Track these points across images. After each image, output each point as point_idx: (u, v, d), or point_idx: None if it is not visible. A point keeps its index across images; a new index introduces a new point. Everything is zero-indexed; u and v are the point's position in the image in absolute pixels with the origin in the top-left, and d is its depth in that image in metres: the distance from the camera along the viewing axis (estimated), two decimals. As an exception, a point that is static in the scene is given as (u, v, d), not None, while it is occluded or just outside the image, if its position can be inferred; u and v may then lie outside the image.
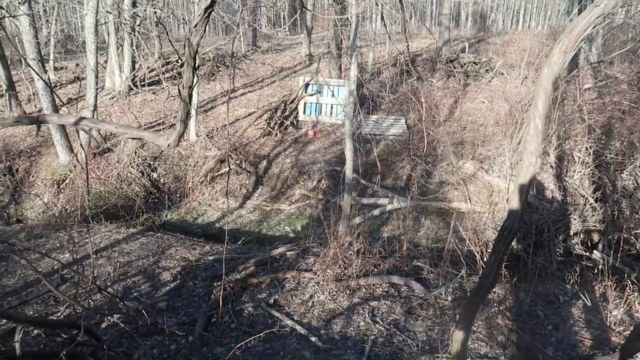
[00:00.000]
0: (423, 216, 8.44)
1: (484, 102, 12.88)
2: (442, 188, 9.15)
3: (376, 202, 8.78)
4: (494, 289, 4.99)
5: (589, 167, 8.73)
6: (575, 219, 8.11)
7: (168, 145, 2.21)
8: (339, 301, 4.96)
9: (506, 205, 8.25)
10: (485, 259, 5.37)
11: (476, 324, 4.40)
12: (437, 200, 8.74)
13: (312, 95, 12.59)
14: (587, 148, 8.89)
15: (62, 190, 10.18)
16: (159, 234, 7.67)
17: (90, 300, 4.75)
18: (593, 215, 8.07)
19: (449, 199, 8.78)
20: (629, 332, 4.24)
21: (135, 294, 5.27)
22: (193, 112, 11.18)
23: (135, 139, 9.08)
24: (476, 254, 5.41)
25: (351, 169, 6.66)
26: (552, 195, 8.77)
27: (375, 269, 5.52)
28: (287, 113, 12.44)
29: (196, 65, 2.30)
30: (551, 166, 9.12)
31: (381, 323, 4.52)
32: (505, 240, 2.17)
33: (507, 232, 2.17)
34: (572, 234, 8.01)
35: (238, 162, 10.45)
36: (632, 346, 3.11)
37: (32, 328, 3.62)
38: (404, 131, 11.59)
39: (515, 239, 7.41)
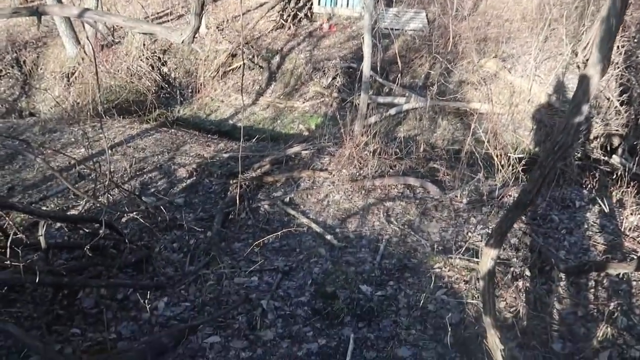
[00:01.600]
0: (440, 117, 8.23)
1: (512, -7, 11.95)
2: (461, 88, 8.80)
3: (393, 101, 8.53)
4: (509, 193, 4.97)
5: (619, 67, 8.26)
6: (597, 122, 7.86)
7: (182, 42, 2.03)
8: (354, 201, 4.99)
9: (528, 107, 7.98)
10: (503, 162, 5.29)
11: (491, 226, 4.43)
12: (455, 100, 8.45)
13: (327, -16, 11.73)
14: (618, 47, 8.34)
15: (72, 84, 9.99)
16: (173, 130, 7.62)
17: (109, 195, 4.82)
18: (616, 119, 7.80)
19: (468, 99, 8.49)
20: (643, 238, 4.26)
21: (152, 190, 5.34)
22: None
23: (146, 33, 8.69)
24: (494, 157, 5.31)
25: (369, 66, 6.36)
26: (576, 97, 8.43)
27: (391, 170, 5.48)
28: (301, 4, 11.68)
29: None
30: (577, 66, 8.65)
31: (395, 223, 4.57)
32: (555, 156, 2.03)
33: (558, 147, 2.01)
34: (592, 137, 7.82)
35: (250, 56, 10.05)
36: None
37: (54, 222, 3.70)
38: (424, 26, 10.92)
39: (536, 143, 7.26)
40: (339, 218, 4.74)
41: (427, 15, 11.28)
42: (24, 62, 10.92)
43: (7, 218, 3.30)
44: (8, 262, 2.97)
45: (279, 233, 4.27)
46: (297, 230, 4.49)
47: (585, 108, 2.01)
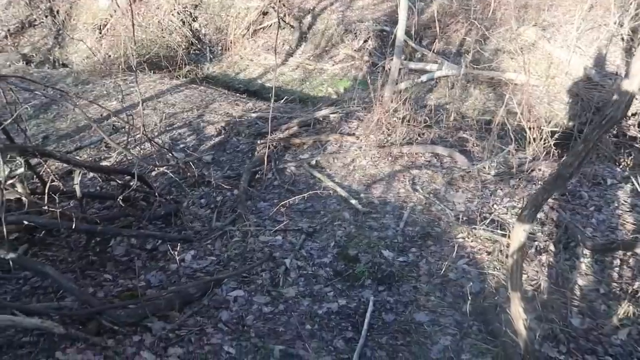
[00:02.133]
0: (473, 86, 8.03)
1: (558, -42, 11.36)
2: (496, 56, 8.53)
3: (425, 67, 8.35)
4: (539, 167, 4.89)
5: (665, 41, 7.87)
6: (636, 99, 7.56)
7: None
8: (380, 167, 4.99)
9: (565, 80, 7.72)
10: (535, 135, 5.17)
11: (517, 200, 4.39)
12: (490, 69, 8.22)
13: (364, -59, 11.33)
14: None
15: (104, 36, 10.05)
16: (202, 87, 7.66)
17: (140, 149, 4.93)
18: (658, 96, 7.49)
19: (503, 69, 8.24)
20: (675, 220, 4.16)
21: (181, 145, 5.43)
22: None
23: None
24: (527, 130, 5.19)
25: (403, 30, 6.20)
26: (616, 71, 8.10)
27: (419, 138, 5.43)
28: (335, -38, 11.36)
29: None
30: (622, 38, 8.27)
31: (421, 191, 4.56)
32: (601, 130, 1.96)
33: (606, 121, 1.94)
34: (629, 114, 7.55)
35: (281, 15, 9.90)
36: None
37: (88, 172, 3.82)
38: (463, -11, 10.53)
39: (571, 118, 7.05)
40: (364, 183, 4.75)
41: (466, -21, 10.85)
42: (58, 12, 10.99)
43: (45, 165, 3.43)
44: (46, 207, 3.10)
45: (304, 195, 4.31)
46: (323, 193, 4.52)
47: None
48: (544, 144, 5.09)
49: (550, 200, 4.40)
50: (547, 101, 7.52)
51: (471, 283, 3.41)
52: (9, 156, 3.05)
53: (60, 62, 10.17)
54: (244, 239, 3.84)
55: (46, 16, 10.83)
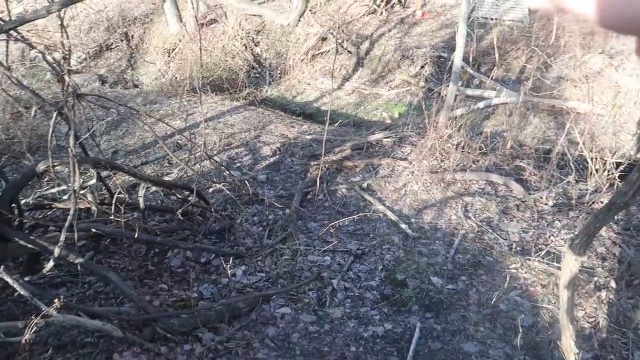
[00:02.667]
0: (532, 113, 7.83)
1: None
2: (559, 84, 8.29)
3: (482, 94, 8.24)
4: (601, 199, 4.68)
5: None
6: None
7: (288, 24, 2.14)
8: (432, 193, 4.95)
9: (633, 110, 7.37)
10: (597, 167, 4.97)
11: (575, 231, 4.22)
12: (551, 97, 7.99)
13: (424, -31, 11.44)
14: None
15: (172, 59, 10.67)
16: (260, 109, 7.93)
17: (199, 166, 5.16)
18: None
19: (566, 97, 7.99)
20: None
21: (238, 164, 5.63)
22: (297, -16, 10.75)
23: (255, 15, 9.02)
24: (589, 161, 5.00)
25: (461, 56, 6.20)
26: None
27: (474, 165, 5.35)
28: (395, -11, 11.53)
29: None
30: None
31: (473, 219, 4.49)
32: None
33: None
34: None
35: (340, 41, 10.12)
36: None
37: (152, 186, 4.05)
38: (525, 16, 10.36)
39: (638, 149, 6.72)
40: (415, 208, 4.73)
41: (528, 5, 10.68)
42: (132, 36, 11.79)
43: (115, 178, 3.68)
44: (112, 217, 3.32)
45: (354, 217, 4.36)
46: (373, 216, 4.55)
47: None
48: (608, 175, 4.88)
49: (613, 234, 4.21)
50: (612, 131, 7.20)
51: (523, 316, 3.30)
52: (83, 168, 3.30)
53: (132, 83, 10.86)
54: (294, 258, 3.92)
55: (122, 40, 11.65)
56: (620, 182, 4.87)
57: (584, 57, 8.55)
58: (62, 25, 3.23)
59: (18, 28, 2.76)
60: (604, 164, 5.00)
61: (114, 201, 3.45)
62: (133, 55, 11.49)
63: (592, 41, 9.17)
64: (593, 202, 4.60)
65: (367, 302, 3.51)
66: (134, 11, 12.35)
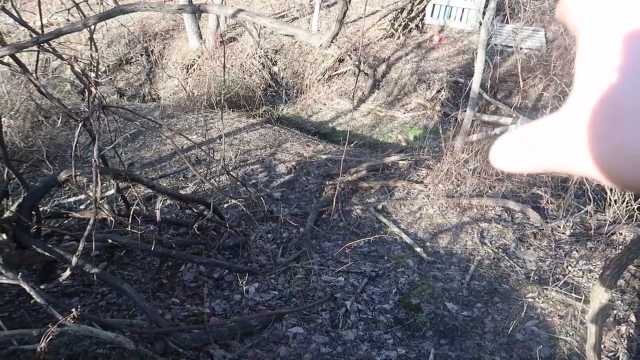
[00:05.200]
0: (549, 141, 7.80)
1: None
2: (576, 113, 8.27)
3: (498, 120, 8.23)
4: (620, 230, 4.61)
5: None
6: None
7: (320, 45, 2.16)
8: (448, 217, 4.91)
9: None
10: (616, 197, 4.90)
11: (595, 263, 4.15)
12: (568, 126, 7.96)
13: (443, -5, 11.58)
14: None
15: (190, 75, 10.82)
16: (276, 127, 7.97)
17: (215, 181, 5.18)
18: None
19: (583, 127, 7.96)
20: None
21: (253, 181, 5.64)
22: (317, 6, 10.92)
23: (287, 35, 9.16)
24: (607, 191, 4.94)
25: (478, 82, 6.21)
26: None
27: (490, 191, 5.31)
28: (413, 15, 11.67)
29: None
30: None
31: (489, 245, 4.43)
32: None
33: None
34: None
35: (357, 63, 10.22)
36: None
37: (169, 199, 4.07)
38: (542, 44, 10.40)
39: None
40: (430, 232, 4.69)
41: (546, 34, 10.74)
42: (152, 51, 12.00)
43: (132, 189, 3.70)
44: (128, 228, 3.33)
45: (369, 238, 4.32)
46: (388, 238, 4.51)
47: None
48: (627, 207, 4.81)
49: (631, 267, 4.12)
50: (630, 162, 7.13)
51: (541, 346, 3.22)
52: (103, 178, 3.33)
53: (150, 97, 11.02)
54: (307, 277, 3.89)
55: (141, 55, 11.86)
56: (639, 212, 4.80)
57: (601, 87, 8.52)
58: (91, 38, 3.31)
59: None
60: (623, 194, 4.94)
61: (130, 213, 3.46)
62: (152, 69, 11.68)
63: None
64: (612, 233, 4.53)
65: (380, 326, 3.45)
66: (154, 27, 12.60)
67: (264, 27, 9.86)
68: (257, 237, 4.48)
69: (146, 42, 12.10)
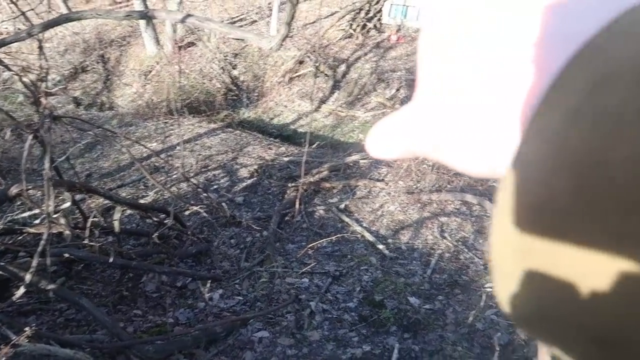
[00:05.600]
0: (504, 135, 8.05)
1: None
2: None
3: (456, 116, 8.44)
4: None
5: None
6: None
7: (270, 49, 2.18)
8: (409, 213, 5.01)
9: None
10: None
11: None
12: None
13: (398, -5, 11.77)
14: None
15: (149, 82, 10.64)
16: (238, 131, 7.93)
17: (176, 188, 5.12)
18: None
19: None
20: None
21: (215, 186, 5.61)
22: (275, 9, 10.92)
23: (238, 39, 9.08)
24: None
25: (434, 80, 6.35)
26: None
27: (449, 185, 5.45)
28: (370, 15, 11.81)
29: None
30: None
31: (449, 239, 4.55)
32: None
33: None
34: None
35: (316, 64, 10.28)
36: None
37: (128, 209, 4.00)
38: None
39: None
40: (392, 229, 4.78)
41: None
42: (108, 58, 11.74)
43: (89, 201, 3.62)
44: (86, 241, 3.26)
45: (332, 238, 4.37)
46: (350, 237, 4.57)
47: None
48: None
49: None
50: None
51: (499, 334, 3.34)
52: (57, 191, 3.25)
53: (107, 105, 10.77)
54: (271, 280, 3.90)
55: (97, 62, 11.57)
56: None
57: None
58: (40, 47, 3.22)
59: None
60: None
61: (88, 225, 3.39)
62: (109, 77, 11.42)
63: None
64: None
65: (345, 324, 3.50)
66: (110, 34, 12.33)
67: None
68: (220, 243, 4.47)
69: (102, 50, 11.82)
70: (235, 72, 10.85)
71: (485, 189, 5.47)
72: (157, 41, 10.84)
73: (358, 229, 4.69)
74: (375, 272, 4.06)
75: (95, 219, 3.67)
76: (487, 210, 5.03)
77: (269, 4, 12.31)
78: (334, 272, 4.05)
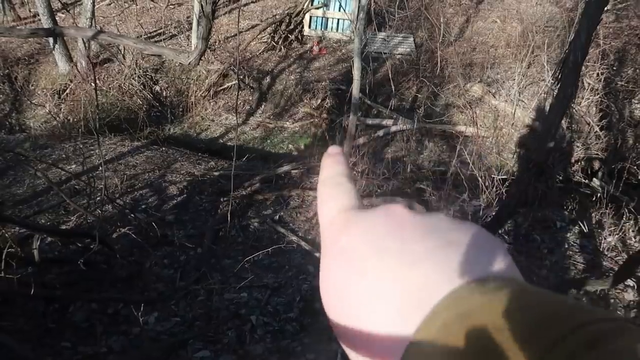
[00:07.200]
0: (427, 139, 8.44)
1: (496, 21, 12.36)
2: (447, 111, 9.05)
3: (381, 123, 8.73)
4: (492, 213, 5.12)
5: (598, 94, 8.58)
6: (578, 147, 8.13)
7: (189, 64, 2.15)
8: (343, 220, 5.09)
9: (511, 131, 8.23)
10: (487, 183, 5.45)
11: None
12: (442, 123, 8.68)
13: (318, 8, 12.02)
14: (598, 74, 8.68)
15: (64, 101, 10.05)
16: (164, 148, 7.70)
17: (100, 211, 4.87)
18: (596, 144, 8.09)
19: (454, 122, 8.73)
20: (621, 257, 4.42)
21: (143, 206, 5.40)
22: (195, 22, 10.75)
23: (154, 55, 8.79)
24: (479, 178, 5.47)
25: (358, 88, 6.54)
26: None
27: (379, 190, 5.62)
28: (292, 27, 11.95)
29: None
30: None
31: (383, 242, 4.67)
32: (529, 173, 2.16)
33: (532, 165, 2.14)
34: (573, 161, 8.07)
35: (241, 77, 10.22)
36: (625, 272, 3.26)
37: (48, 236, 3.76)
38: (412, 50, 11.23)
39: (519, 166, 7.44)
40: (327, 236, 4.83)
41: (414, 40, 11.61)
42: (16, 78, 10.95)
43: (3, 230, 3.36)
44: (2, 274, 3.02)
45: (269, 250, 4.34)
46: (287, 248, 4.57)
47: (554, 130, 2.16)
48: (496, 191, 5.37)
49: (505, 244, 4.59)
50: (496, 151, 7.96)
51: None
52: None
53: (18, 127, 10.03)
54: (209, 298, 3.81)
55: (3, 82, 10.76)
56: (506, 196, 5.39)
57: (466, 85, 9.43)
58: None
59: None
60: (492, 181, 5.51)
61: (3, 257, 3.13)
62: (18, 98, 10.65)
63: (471, 71, 10.16)
64: (486, 217, 5.02)
65: (287, 335, 3.49)
66: (16, 51, 11.51)
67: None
68: (153, 264, 4.30)
69: (7, 69, 11.01)
70: (157, 88, 10.53)
71: (413, 191, 5.70)
72: (70, 58, 10.28)
73: (294, 238, 4.71)
74: (314, 280, 4.08)
75: (11, 250, 3.41)
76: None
77: (188, 17, 12.11)
78: (273, 283, 4.03)
